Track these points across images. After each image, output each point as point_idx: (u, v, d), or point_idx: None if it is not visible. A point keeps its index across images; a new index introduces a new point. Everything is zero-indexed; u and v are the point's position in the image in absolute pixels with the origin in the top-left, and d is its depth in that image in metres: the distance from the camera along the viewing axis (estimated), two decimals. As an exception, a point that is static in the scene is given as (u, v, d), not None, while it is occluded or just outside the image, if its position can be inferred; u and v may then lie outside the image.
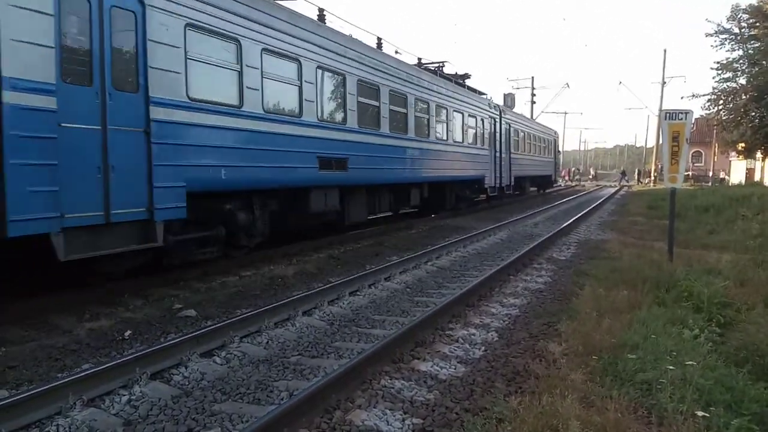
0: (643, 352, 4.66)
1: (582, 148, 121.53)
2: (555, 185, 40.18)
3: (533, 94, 51.09)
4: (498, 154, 21.83)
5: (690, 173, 47.22)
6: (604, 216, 20.36)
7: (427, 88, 15.36)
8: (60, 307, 6.44)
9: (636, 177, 61.53)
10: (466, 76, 19.85)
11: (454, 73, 19.30)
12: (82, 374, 4.15)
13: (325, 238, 11.97)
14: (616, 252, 10.74)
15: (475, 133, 19.41)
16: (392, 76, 13.25)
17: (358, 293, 7.59)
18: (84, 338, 5.58)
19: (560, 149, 40.44)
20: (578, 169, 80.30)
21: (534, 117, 46.45)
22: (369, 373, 4.48)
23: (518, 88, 51.65)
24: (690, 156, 42.58)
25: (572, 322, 5.84)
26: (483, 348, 5.36)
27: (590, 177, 75.42)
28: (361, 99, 11.75)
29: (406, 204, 15.53)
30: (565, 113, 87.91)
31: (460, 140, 17.93)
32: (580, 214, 18.64)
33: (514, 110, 26.82)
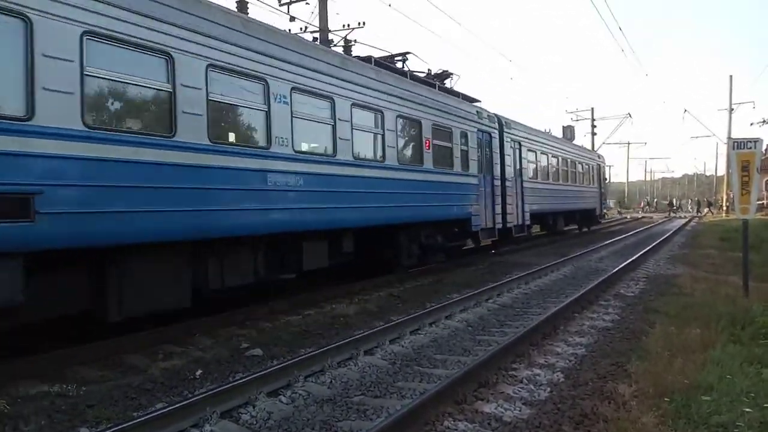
0: (718, 394, 4.47)
1: (648, 179, 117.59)
2: (601, 220, 32.59)
3: (593, 126, 50.25)
4: (497, 183, 15.97)
5: (765, 202, 44.65)
6: (674, 249, 19.57)
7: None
8: (135, 346, 6.77)
9: (696, 207, 58.35)
10: (446, 75, 15.19)
11: (427, 71, 14.97)
12: (157, 413, 4.35)
13: (383, 277, 12.06)
14: (687, 287, 10.31)
15: (451, 154, 13.58)
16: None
17: (419, 332, 7.59)
18: (158, 377, 5.83)
19: (607, 176, 32.61)
20: (652, 201, 75.42)
21: (595, 148, 45.43)
22: (431, 414, 4.47)
23: (578, 120, 50.88)
24: (763, 185, 40.40)
25: (642, 362, 5.65)
26: (548, 389, 5.25)
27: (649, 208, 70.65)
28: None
29: (294, 265, 9.33)
30: (628, 143, 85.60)
31: (417, 162, 12.12)
32: (648, 248, 17.99)
33: (532, 127, 20.42)
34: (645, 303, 9.19)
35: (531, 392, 5.18)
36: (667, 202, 63.37)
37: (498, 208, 15.86)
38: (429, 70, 15.10)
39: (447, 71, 15.28)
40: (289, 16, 15.94)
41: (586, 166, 27.14)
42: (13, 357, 6.28)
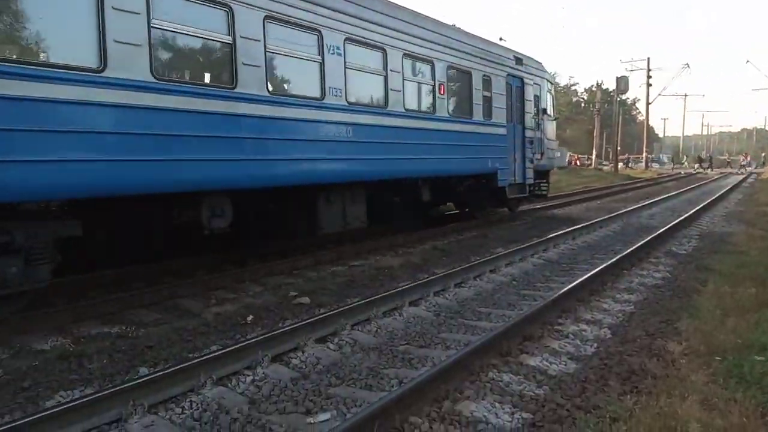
0: (774, 355, 4.35)
1: (705, 132, 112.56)
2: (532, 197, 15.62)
3: (649, 76, 48.12)
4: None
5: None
6: (729, 206, 18.84)
7: None
8: (189, 292, 7.05)
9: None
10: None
11: None
12: (212, 355, 4.54)
13: (427, 230, 12.09)
14: (743, 245, 9.96)
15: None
16: None
17: (463, 285, 7.62)
18: (211, 321, 6.06)
19: (547, 106, 15.69)
20: (708, 156, 68.24)
21: (650, 101, 43.55)
22: (476, 365, 4.52)
23: (632, 71, 48.81)
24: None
25: (693, 320, 5.54)
26: (595, 345, 5.23)
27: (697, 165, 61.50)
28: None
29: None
30: (685, 95, 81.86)
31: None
32: (702, 205, 17.38)
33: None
34: (697, 261, 8.93)
35: (577, 347, 5.16)
36: (698, 157, 59.72)
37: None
38: None
39: None
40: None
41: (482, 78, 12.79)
42: (77, 299, 6.65)
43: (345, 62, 8.62)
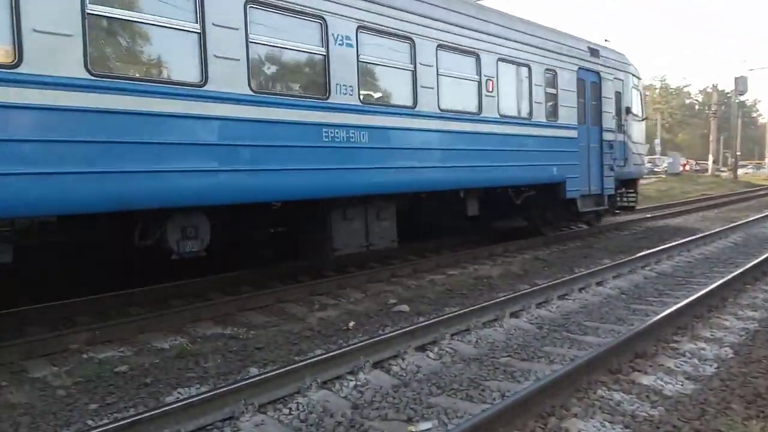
0: None
1: None
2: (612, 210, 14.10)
3: (774, 75, 44.11)
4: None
5: None
6: None
7: None
8: (294, 297, 7.34)
9: None
10: None
11: None
12: (317, 359, 4.68)
13: (527, 240, 11.79)
14: None
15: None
16: None
17: (567, 297, 7.35)
18: (315, 326, 6.26)
19: (635, 104, 14.40)
20: None
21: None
22: (584, 381, 4.33)
23: (752, 70, 44.95)
24: None
25: (831, 342, 5.00)
26: (715, 365, 4.85)
27: None
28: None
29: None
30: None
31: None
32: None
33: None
34: (835, 277, 8.06)
35: (695, 367, 4.81)
36: None
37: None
38: None
39: None
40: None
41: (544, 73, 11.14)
42: (193, 301, 7.12)
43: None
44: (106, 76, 5.34)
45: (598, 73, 12.51)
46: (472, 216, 10.52)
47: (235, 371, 4.91)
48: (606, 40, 13.94)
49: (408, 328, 5.52)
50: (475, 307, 6.31)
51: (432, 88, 8.64)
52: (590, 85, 12.30)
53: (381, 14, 7.78)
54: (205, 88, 5.97)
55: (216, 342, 5.75)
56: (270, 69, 6.92)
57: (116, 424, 3.53)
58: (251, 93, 6.37)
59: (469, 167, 9.23)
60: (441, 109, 8.75)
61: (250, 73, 6.36)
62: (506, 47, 10.08)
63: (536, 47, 10.78)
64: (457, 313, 6.11)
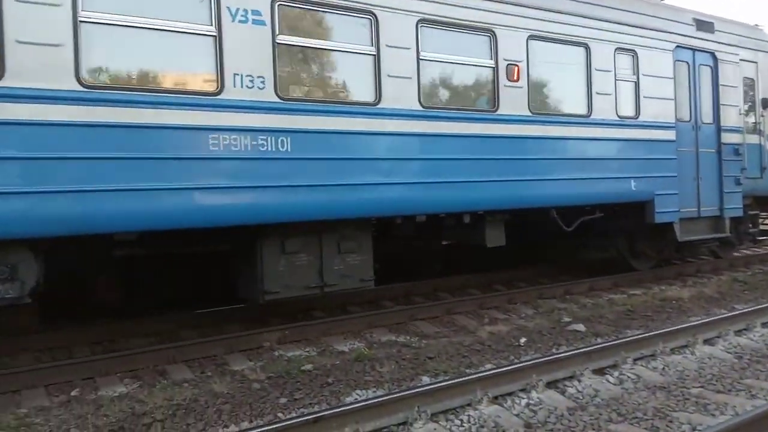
0: None
1: None
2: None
3: None
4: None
5: None
6: None
7: None
8: (463, 309, 7.41)
9: None
10: None
11: None
12: (488, 373, 4.67)
13: (723, 260, 10.57)
14: None
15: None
16: None
17: (774, 325, 6.48)
18: (485, 340, 6.24)
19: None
20: None
21: None
22: (796, 422, 3.79)
23: None
24: None
25: None
26: None
27: None
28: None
29: None
30: None
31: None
32: None
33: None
34: None
35: None
36: None
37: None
38: None
39: None
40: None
41: (613, 54, 8.52)
42: (368, 309, 7.51)
43: None
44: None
45: (712, 53, 9.63)
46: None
47: (408, 378, 5.08)
48: (757, 26, 10.83)
49: (585, 349, 5.28)
50: (662, 330, 5.86)
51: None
52: (698, 69, 9.50)
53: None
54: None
55: (390, 348, 5.99)
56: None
57: (303, 419, 3.85)
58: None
59: (485, 182, 7.09)
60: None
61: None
62: (542, 20, 7.61)
63: (597, 20, 8.18)
64: (641, 336, 5.72)
